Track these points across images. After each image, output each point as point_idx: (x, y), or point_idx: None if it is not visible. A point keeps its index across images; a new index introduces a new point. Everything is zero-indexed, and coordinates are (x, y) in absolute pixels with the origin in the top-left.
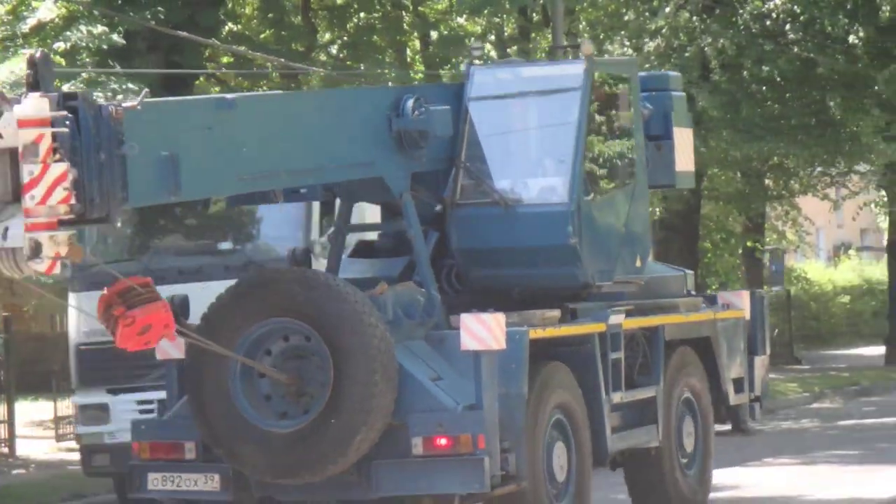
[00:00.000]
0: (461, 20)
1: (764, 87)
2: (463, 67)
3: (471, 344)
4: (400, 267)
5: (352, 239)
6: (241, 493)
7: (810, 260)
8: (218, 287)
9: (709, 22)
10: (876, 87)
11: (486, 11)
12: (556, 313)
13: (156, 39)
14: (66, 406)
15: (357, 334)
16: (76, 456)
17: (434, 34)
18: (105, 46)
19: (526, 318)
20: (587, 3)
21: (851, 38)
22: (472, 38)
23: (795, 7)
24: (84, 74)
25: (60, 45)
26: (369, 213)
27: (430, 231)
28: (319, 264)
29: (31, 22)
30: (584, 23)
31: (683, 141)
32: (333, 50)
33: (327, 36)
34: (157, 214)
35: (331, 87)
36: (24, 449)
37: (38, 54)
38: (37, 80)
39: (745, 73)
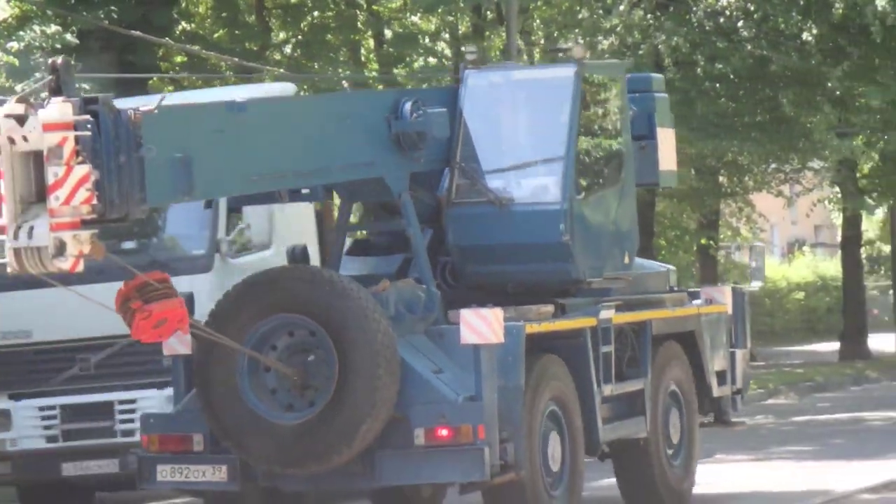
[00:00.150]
0: (415, 18)
1: (718, 85)
2: (415, 65)
3: (470, 338)
4: (396, 264)
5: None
6: (247, 483)
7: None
8: (117, 288)
9: (663, 20)
10: (829, 85)
11: (440, 10)
12: (550, 308)
13: (109, 39)
14: None
15: (362, 329)
16: None
17: (388, 32)
18: (59, 46)
19: (522, 313)
20: (541, 2)
21: (805, 36)
22: (426, 37)
23: (749, 4)
24: (38, 73)
25: (14, 45)
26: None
27: (424, 229)
28: (227, 263)
29: None
30: (538, 21)
31: (666, 141)
32: (288, 49)
33: (281, 35)
34: None
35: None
36: None
37: (59, 61)
38: (59, 85)
39: (698, 70)
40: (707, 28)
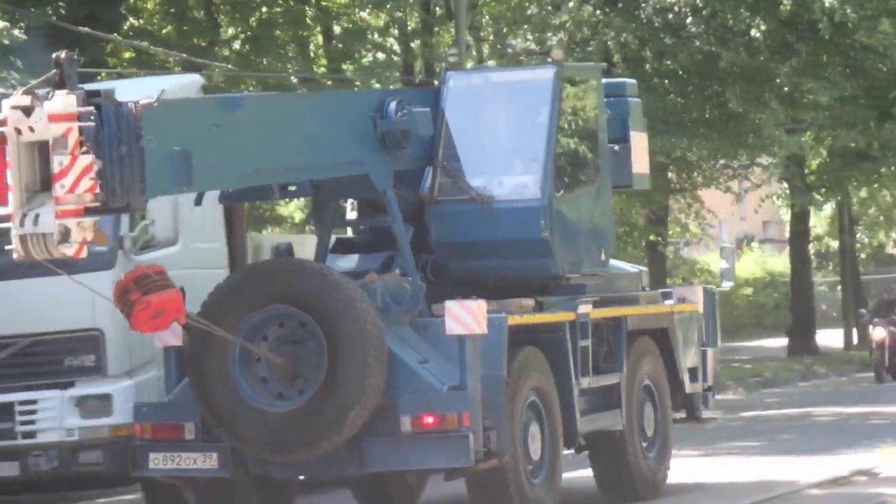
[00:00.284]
0: (364, 14)
1: (666, 81)
2: (364, 61)
3: (455, 329)
4: (380, 261)
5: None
6: (238, 470)
7: (713, 252)
8: (18, 286)
9: (612, 16)
10: (777, 81)
11: (388, 5)
12: (531, 302)
13: (57, 35)
14: None
15: (351, 319)
16: None
17: (337, 28)
18: (6, 42)
19: (504, 306)
20: None
21: (753, 32)
22: (375, 32)
23: (697, 1)
24: None
25: None
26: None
27: (407, 226)
28: (130, 260)
29: None
30: (487, 17)
31: (639, 144)
32: (236, 45)
33: (230, 31)
34: None
35: (316, 90)
36: None
37: (63, 55)
38: (62, 78)
39: (647, 66)
40: (656, 24)
